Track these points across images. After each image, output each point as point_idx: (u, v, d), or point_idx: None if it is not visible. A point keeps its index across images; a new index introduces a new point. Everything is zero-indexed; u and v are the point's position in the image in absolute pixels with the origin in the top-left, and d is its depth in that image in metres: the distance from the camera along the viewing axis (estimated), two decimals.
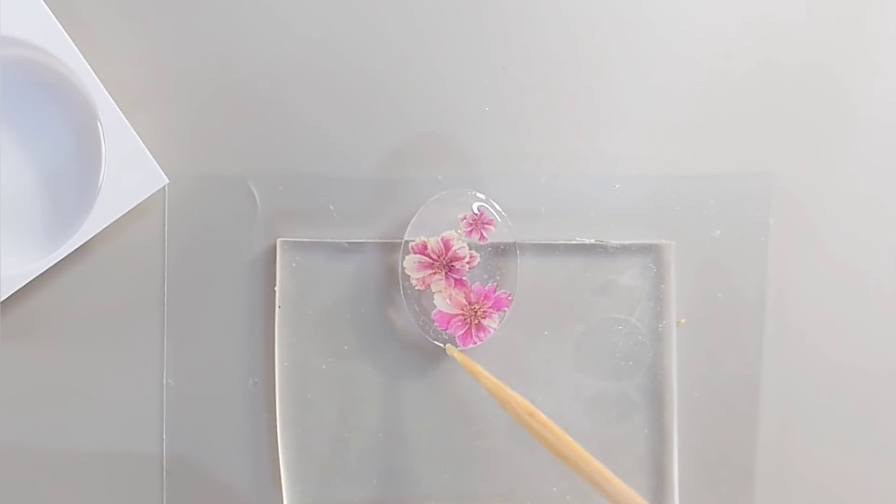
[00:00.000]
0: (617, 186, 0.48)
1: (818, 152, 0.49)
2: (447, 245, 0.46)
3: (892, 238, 0.49)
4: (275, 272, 0.47)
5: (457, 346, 0.46)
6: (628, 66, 0.48)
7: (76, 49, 0.44)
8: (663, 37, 0.48)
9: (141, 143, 0.45)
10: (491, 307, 0.46)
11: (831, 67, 0.49)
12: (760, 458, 0.48)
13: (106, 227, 0.45)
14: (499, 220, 0.46)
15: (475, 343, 0.46)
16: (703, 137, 0.48)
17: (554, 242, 0.47)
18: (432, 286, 0.46)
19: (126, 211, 0.45)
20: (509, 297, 0.46)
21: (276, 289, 0.47)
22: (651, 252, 0.48)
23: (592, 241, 0.48)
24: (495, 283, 0.46)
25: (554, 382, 0.47)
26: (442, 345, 0.46)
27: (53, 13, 0.44)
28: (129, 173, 0.45)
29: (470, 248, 0.46)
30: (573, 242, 0.48)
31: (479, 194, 0.47)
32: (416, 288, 0.46)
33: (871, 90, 0.49)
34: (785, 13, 0.49)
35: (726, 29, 0.48)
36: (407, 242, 0.46)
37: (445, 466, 0.47)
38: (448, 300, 0.45)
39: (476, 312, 0.46)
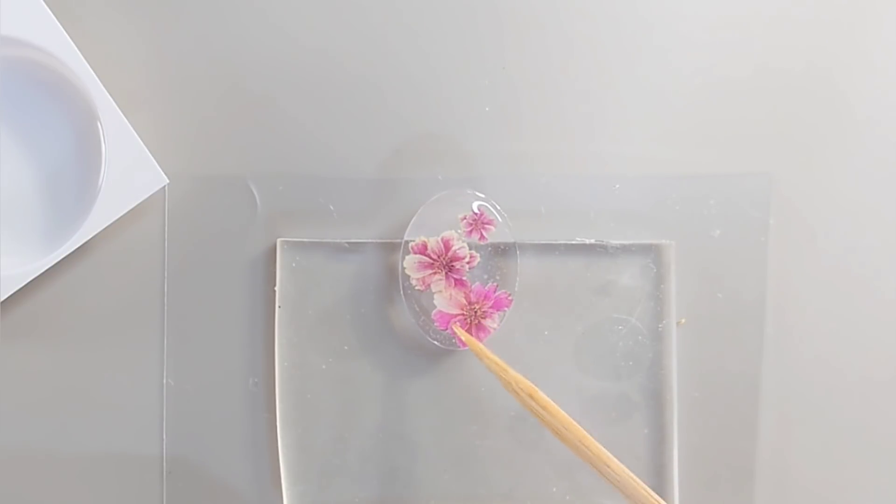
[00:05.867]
0: (617, 186, 0.48)
1: (817, 153, 0.49)
2: (447, 245, 0.46)
3: (891, 238, 0.49)
4: (275, 272, 0.47)
5: (458, 347, 0.46)
6: (628, 67, 0.48)
7: (76, 49, 0.44)
8: (663, 38, 0.48)
9: (141, 143, 0.45)
10: (491, 307, 0.46)
11: (829, 68, 0.49)
12: (760, 457, 0.48)
13: (106, 227, 0.45)
14: (499, 219, 0.46)
15: None
16: (703, 138, 0.48)
17: (554, 242, 0.48)
18: (432, 286, 0.46)
19: (126, 211, 0.45)
20: (509, 297, 0.46)
21: (276, 289, 0.47)
22: (651, 252, 0.48)
23: (592, 241, 0.48)
24: (495, 283, 0.46)
25: (554, 382, 0.47)
26: (441, 344, 0.46)
27: (53, 13, 0.44)
28: (129, 173, 0.45)
29: (470, 248, 0.46)
30: (573, 242, 0.48)
31: (478, 194, 0.47)
32: (417, 288, 0.46)
33: (868, 92, 0.49)
34: (785, 16, 0.49)
35: (725, 31, 0.48)
36: (407, 242, 0.46)
37: (445, 466, 0.47)
38: (448, 300, 0.45)
39: (476, 312, 0.46)
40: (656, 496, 0.40)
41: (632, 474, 0.40)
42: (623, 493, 0.40)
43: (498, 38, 0.48)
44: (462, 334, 0.45)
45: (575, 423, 0.41)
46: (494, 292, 0.46)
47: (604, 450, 0.40)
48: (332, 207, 0.47)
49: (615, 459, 0.40)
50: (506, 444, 0.48)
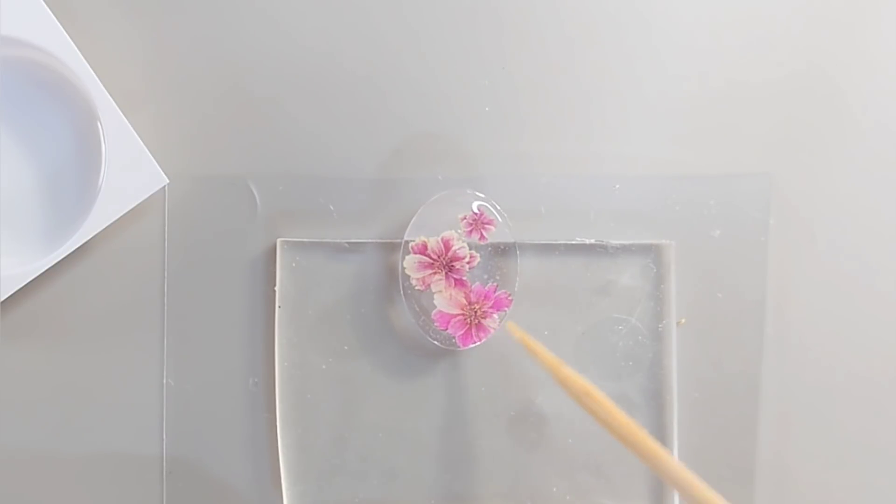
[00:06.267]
0: (617, 187, 0.48)
1: (817, 153, 0.49)
2: (447, 245, 0.46)
3: (891, 237, 0.49)
4: (275, 272, 0.47)
5: (458, 347, 0.46)
6: (628, 67, 0.48)
7: (76, 49, 0.44)
8: (663, 39, 0.48)
9: (141, 143, 0.45)
10: (491, 307, 0.46)
11: (829, 68, 0.49)
12: (760, 458, 0.48)
13: (106, 227, 0.45)
14: (499, 220, 0.46)
15: (475, 343, 0.46)
16: (703, 138, 0.48)
17: (554, 242, 0.48)
18: (432, 286, 0.46)
19: (126, 211, 0.45)
20: (509, 297, 0.46)
21: (276, 289, 0.47)
22: (651, 252, 0.48)
23: (592, 241, 0.48)
24: (495, 283, 0.46)
25: (554, 382, 0.47)
26: (441, 344, 0.46)
27: (53, 13, 0.44)
28: (129, 173, 0.45)
29: (470, 248, 0.46)
30: (573, 242, 0.48)
31: (478, 194, 0.47)
32: (417, 288, 0.46)
33: (868, 92, 0.49)
34: (785, 16, 0.49)
35: (725, 32, 0.48)
36: (407, 242, 0.46)
37: (445, 466, 0.47)
38: (448, 300, 0.45)
39: (476, 312, 0.46)
40: (721, 498, 0.38)
41: (691, 474, 0.39)
42: (683, 492, 0.38)
43: (498, 39, 0.48)
44: (516, 331, 0.42)
45: (633, 422, 0.39)
46: (494, 292, 0.46)
47: (663, 449, 0.39)
48: (332, 207, 0.47)
49: (674, 459, 0.39)
50: (506, 444, 0.48)
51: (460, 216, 0.46)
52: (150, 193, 0.45)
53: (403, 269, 0.46)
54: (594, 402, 0.39)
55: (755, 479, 0.48)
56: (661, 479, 0.39)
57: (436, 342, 0.46)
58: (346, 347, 0.47)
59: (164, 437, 0.47)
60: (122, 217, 0.45)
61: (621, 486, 0.48)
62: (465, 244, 0.46)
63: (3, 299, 0.44)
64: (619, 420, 0.39)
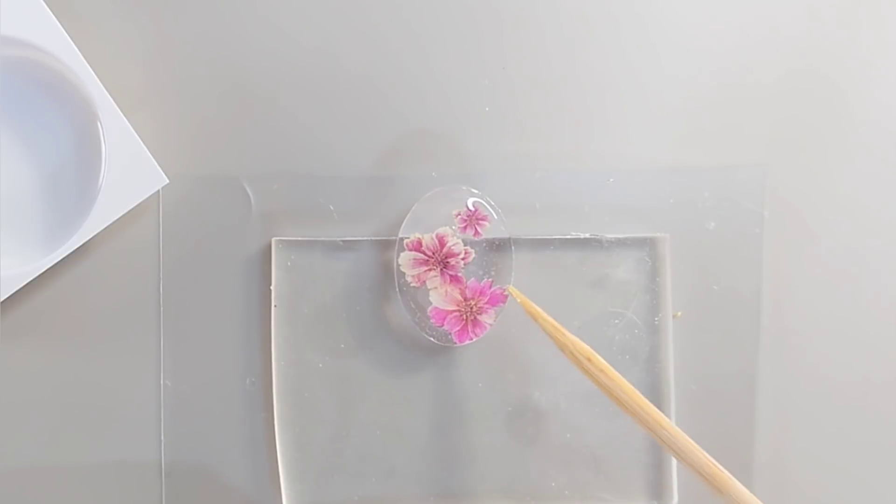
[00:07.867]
0: (611, 180, 0.48)
1: (812, 145, 0.49)
2: (442, 241, 0.46)
3: (886, 229, 0.49)
4: (270, 271, 0.47)
5: (454, 343, 0.46)
6: (625, 62, 0.48)
7: (76, 49, 0.44)
8: (658, 35, 0.49)
9: (141, 143, 0.45)
10: (486, 303, 0.46)
11: (823, 61, 0.49)
12: (758, 450, 0.47)
13: (105, 228, 0.45)
14: (493, 215, 0.47)
15: (471, 339, 0.46)
16: (697, 130, 0.48)
17: (549, 237, 0.48)
18: (428, 283, 0.46)
19: (126, 211, 0.45)
20: (505, 293, 0.46)
21: (272, 288, 0.47)
22: (646, 245, 0.48)
23: (587, 235, 0.48)
24: (491, 279, 0.46)
25: (551, 377, 0.47)
26: (437, 341, 0.46)
27: (53, 13, 0.44)
28: (129, 173, 0.45)
29: (465, 245, 0.46)
30: (568, 237, 0.48)
31: (473, 190, 0.47)
32: (412, 285, 0.46)
33: (862, 84, 0.49)
34: (779, 11, 0.49)
35: (719, 27, 0.49)
36: (402, 239, 0.46)
37: (444, 463, 0.47)
38: (444, 297, 0.45)
39: (472, 308, 0.46)
40: (715, 462, 0.39)
41: (690, 440, 0.39)
42: (680, 458, 0.39)
43: (492, 37, 0.48)
44: (518, 296, 0.44)
45: (633, 387, 0.40)
46: (490, 288, 0.46)
47: (663, 416, 0.40)
48: (327, 205, 0.47)
49: (673, 425, 0.39)
50: (504, 440, 0.47)
51: (455, 212, 0.46)
52: (150, 193, 0.45)
53: (398, 266, 0.46)
54: (595, 368, 0.41)
55: (753, 470, 0.47)
56: (659, 444, 0.39)
57: (432, 339, 0.46)
58: (342, 345, 0.47)
59: (162, 437, 0.47)
60: (120, 217, 0.45)
61: (619, 481, 0.47)
62: (460, 240, 0.46)
63: (3, 299, 0.45)
64: (619, 385, 0.40)
